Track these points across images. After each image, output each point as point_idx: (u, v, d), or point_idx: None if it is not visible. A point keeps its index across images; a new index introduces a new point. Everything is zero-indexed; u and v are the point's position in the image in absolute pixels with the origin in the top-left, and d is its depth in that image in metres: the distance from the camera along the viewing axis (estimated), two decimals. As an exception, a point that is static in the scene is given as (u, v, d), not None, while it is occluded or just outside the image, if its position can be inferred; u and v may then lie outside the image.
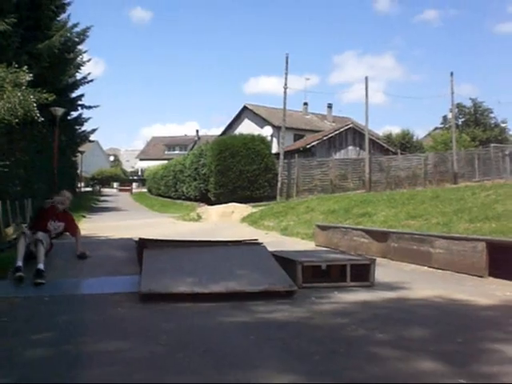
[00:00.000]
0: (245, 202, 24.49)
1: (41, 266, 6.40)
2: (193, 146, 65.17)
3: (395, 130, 49.67)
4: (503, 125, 54.52)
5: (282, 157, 29.42)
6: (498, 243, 7.30)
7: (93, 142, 54.03)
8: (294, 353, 3.80)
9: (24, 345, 4.01)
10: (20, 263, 6.33)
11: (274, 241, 11.80)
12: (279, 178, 28.97)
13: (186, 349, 3.86)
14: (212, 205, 24.71)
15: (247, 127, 42.57)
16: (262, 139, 30.85)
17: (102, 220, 22.96)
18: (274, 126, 41.23)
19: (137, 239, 7.80)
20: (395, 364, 3.48)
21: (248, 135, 30.54)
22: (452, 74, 30.47)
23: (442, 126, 54.35)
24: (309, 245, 11.50)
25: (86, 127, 38.99)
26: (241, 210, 21.75)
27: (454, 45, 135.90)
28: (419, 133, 49.92)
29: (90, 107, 34.29)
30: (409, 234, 9.03)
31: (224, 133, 48.40)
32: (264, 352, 3.82)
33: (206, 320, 4.78)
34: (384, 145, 39.86)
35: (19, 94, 15.60)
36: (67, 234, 7.74)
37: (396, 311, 5.18)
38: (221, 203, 23.99)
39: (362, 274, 6.62)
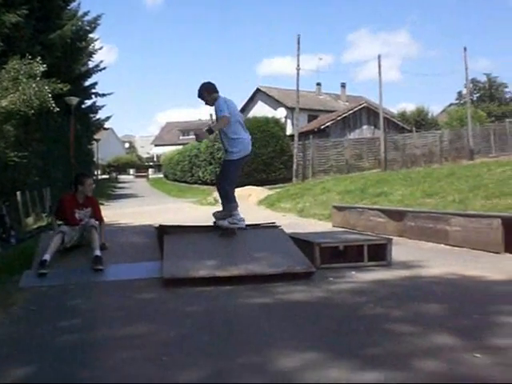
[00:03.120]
0: (261, 185, 24.64)
1: (98, 252, 6.53)
2: (207, 130, 65.11)
3: (410, 106, 49.66)
4: (518, 99, 54.13)
5: (296, 138, 29.46)
6: (514, 219, 7.34)
7: (107, 129, 54.52)
8: (315, 332, 3.92)
9: (53, 332, 4.16)
10: (48, 257, 6.36)
11: (292, 222, 11.91)
12: (294, 160, 29.05)
13: (210, 331, 3.99)
14: (228, 188, 24.71)
15: (261, 109, 42.54)
16: (276, 121, 30.93)
17: (120, 207, 23.18)
18: (287, 108, 41.23)
19: (157, 225, 7.94)
20: (413, 340, 3.58)
21: (262, 118, 30.60)
22: (465, 49, 30.20)
23: (457, 102, 54.03)
24: (326, 226, 11.59)
25: (101, 115, 39.46)
26: (257, 192, 21.84)
27: (469, 19, 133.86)
28: (434, 109, 49.73)
29: (103, 95, 34.59)
30: (425, 213, 9.08)
31: (238, 116, 48.29)
32: (286, 332, 3.94)
33: (228, 302, 4.91)
34: (399, 123, 39.75)
35: (34, 85, 15.82)
36: None
37: (413, 289, 5.27)
38: (237, 187, 24.08)
39: (379, 253, 6.71)
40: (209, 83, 7.10)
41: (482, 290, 5.20)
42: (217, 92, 7.04)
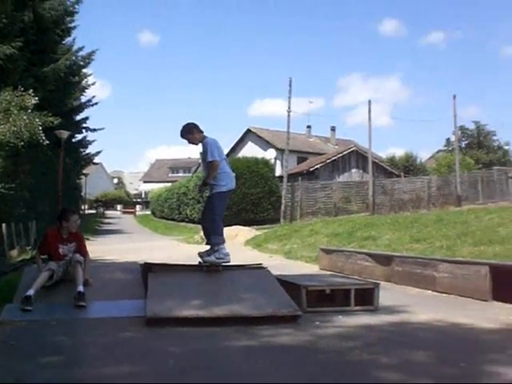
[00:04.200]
0: (249, 225, 24.59)
1: (81, 288, 6.40)
2: (196, 169, 65.34)
3: (400, 152, 50.12)
4: (506, 147, 54.96)
5: (285, 180, 29.56)
6: (502, 267, 7.32)
7: (97, 164, 54.59)
8: (300, 377, 3.83)
9: (34, 368, 4.07)
10: (32, 292, 6.22)
11: (278, 264, 11.83)
12: (283, 201, 29.09)
13: (192, 373, 3.90)
14: (216, 227, 24.66)
15: (251, 150, 42.71)
16: (265, 162, 31.06)
17: (106, 243, 23.00)
18: (277, 149, 41.39)
19: (142, 263, 7.85)
20: (400, 388, 3.52)
21: (251, 158, 30.74)
22: (455, 96, 30.70)
23: (445, 148, 54.55)
24: (313, 268, 11.52)
25: (91, 150, 39.31)
26: (244, 232, 21.78)
27: (459, 67, 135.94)
28: (423, 155, 50.39)
29: (94, 130, 34.57)
30: (412, 258, 9.05)
31: (227, 155, 47.80)
32: (270, 376, 3.86)
33: (211, 344, 4.81)
34: (387, 168, 40.10)
35: (25, 117, 15.84)
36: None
37: (400, 335, 5.21)
38: (224, 226, 23.98)
39: (366, 298, 6.64)
40: (194, 123, 7.26)
41: (470, 338, 5.14)
42: (202, 132, 7.23)
